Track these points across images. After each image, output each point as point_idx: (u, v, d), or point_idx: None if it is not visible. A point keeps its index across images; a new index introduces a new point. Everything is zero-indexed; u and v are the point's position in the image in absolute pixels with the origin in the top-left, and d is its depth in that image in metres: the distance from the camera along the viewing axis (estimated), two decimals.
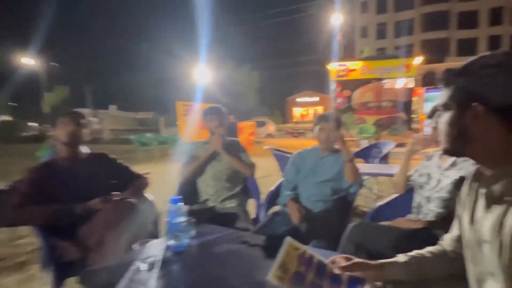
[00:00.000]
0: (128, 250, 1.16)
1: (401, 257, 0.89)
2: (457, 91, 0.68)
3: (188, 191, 2.03)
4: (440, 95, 0.73)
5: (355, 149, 5.44)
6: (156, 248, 1.06)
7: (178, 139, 10.04)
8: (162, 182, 5.02)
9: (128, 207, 1.37)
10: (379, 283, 0.88)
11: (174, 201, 1.14)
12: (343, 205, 1.81)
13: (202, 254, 1.14)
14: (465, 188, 0.80)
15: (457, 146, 0.70)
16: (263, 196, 2.02)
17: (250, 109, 33.13)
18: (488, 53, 0.67)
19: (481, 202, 0.70)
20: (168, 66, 31.61)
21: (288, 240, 0.88)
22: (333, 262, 0.88)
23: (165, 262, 1.06)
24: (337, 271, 0.85)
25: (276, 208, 1.89)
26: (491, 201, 0.66)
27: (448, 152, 0.74)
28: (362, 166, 2.98)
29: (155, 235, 1.54)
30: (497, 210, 0.64)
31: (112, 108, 31.94)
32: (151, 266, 1.01)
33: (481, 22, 30.17)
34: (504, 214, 0.62)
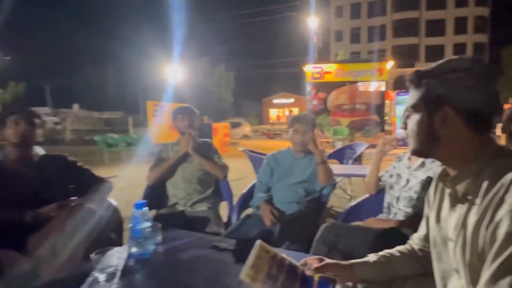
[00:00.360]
0: (84, 260, 1.08)
1: (371, 257, 0.91)
2: (427, 93, 0.70)
3: (156, 195, 1.95)
4: (409, 97, 0.76)
5: (330, 150, 5.59)
6: (117, 257, 1.00)
7: (148, 140, 9.72)
8: (130, 186, 4.85)
9: (86, 213, 1.28)
10: (350, 283, 0.90)
11: (139, 206, 1.10)
12: (316, 206, 1.83)
13: (168, 261, 1.09)
14: (432, 188, 0.84)
15: (425, 147, 0.72)
16: (237, 199, 2.00)
17: (225, 109, 32.98)
18: (456, 57, 0.69)
19: (446, 202, 0.73)
20: (138, 64, 30.35)
21: (259, 243, 0.87)
22: (305, 264, 0.89)
23: (126, 272, 1.00)
24: (309, 272, 0.86)
25: (249, 211, 1.87)
26: (455, 200, 0.69)
27: (416, 152, 0.76)
28: (336, 167, 3.06)
29: (118, 243, 1.46)
30: (461, 209, 0.67)
31: (75, 107, 30.31)
32: (110, 277, 0.95)
33: (448, 30, 32.46)
34: (467, 212, 0.64)
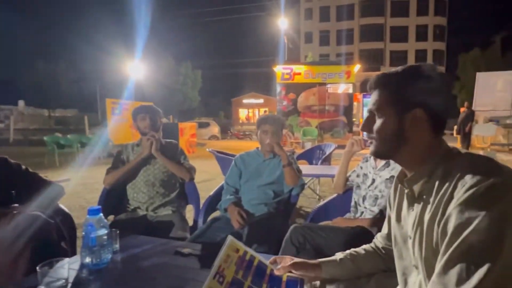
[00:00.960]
0: (29, 274, 0.99)
1: (338, 255, 0.96)
2: (398, 95, 0.73)
3: (115, 199, 1.86)
4: (373, 99, 0.78)
5: (299, 151, 5.72)
6: (67, 268, 0.92)
7: (106, 140, 9.21)
8: (85, 190, 4.57)
9: (30, 221, 1.17)
10: (317, 282, 0.93)
11: (93, 212, 1.03)
12: (285, 207, 1.85)
13: (127, 270, 1.04)
14: (392, 189, 0.89)
15: (389, 149, 0.75)
16: (203, 202, 1.96)
17: (192, 109, 32.36)
18: (417, 63, 0.75)
19: (405, 201, 0.78)
20: (96, 60, 28.59)
21: (231, 238, 0.88)
22: (274, 262, 0.91)
23: (78, 284, 0.94)
24: (277, 272, 0.88)
25: (216, 214, 1.85)
26: (413, 200, 0.74)
27: (378, 154, 0.79)
28: (306, 168, 3.13)
29: (70, 253, 1.36)
30: (417, 207, 0.72)
31: (21, 104, 27.86)
32: None
33: (410, 37, 34.91)
34: (423, 211, 0.69)
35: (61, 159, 7.90)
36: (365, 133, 0.82)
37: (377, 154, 0.79)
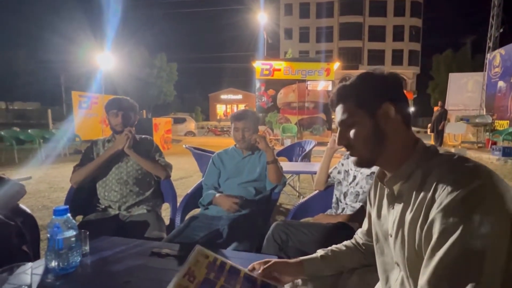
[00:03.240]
0: None
1: (319, 252, 0.98)
2: (362, 99, 0.77)
3: (83, 198, 1.77)
4: (340, 114, 0.80)
5: (279, 148, 5.76)
6: (30, 274, 0.85)
7: (72, 136, 8.77)
8: (49, 189, 4.33)
9: None
10: (299, 281, 0.94)
11: (59, 212, 0.97)
12: (266, 204, 1.85)
13: (98, 274, 0.98)
14: (373, 186, 0.91)
15: (373, 152, 0.76)
16: (181, 200, 1.91)
17: (168, 104, 31.62)
18: (368, 70, 0.81)
19: (385, 200, 0.80)
20: (60, 50, 26.68)
21: (198, 248, 0.87)
22: (253, 269, 0.91)
23: None
24: (259, 276, 0.88)
25: (195, 212, 1.81)
26: (393, 199, 0.76)
27: (362, 162, 0.80)
28: (286, 165, 3.14)
29: (33, 257, 1.27)
30: (398, 207, 0.74)
31: None
32: None
33: (387, 36, 36.15)
34: (403, 211, 0.71)
35: (21, 156, 7.40)
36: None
37: (362, 162, 0.80)
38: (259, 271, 0.89)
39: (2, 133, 7.54)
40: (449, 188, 0.61)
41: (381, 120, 0.74)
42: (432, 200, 0.63)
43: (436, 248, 0.58)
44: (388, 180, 0.77)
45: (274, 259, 0.93)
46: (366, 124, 0.76)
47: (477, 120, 10.60)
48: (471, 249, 0.55)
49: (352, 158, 0.82)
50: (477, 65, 18.94)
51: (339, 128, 0.83)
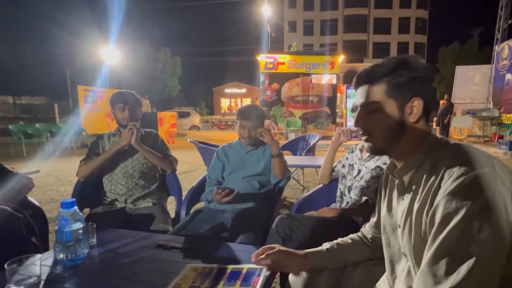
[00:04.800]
0: None
1: (325, 245, 0.98)
2: (395, 87, 0.73)
3: (90, 192, 1.78)
4: (368, 93, 0.76)
5: (283, 142, 5.75)
6: (40, 265, 0.87)
7: (78, 130, 8.84)
8: (57, 182, 4.39)
9: None
10: (303, 272, 0.94)
11: (67, 205, 0.98)
12: (270, 198, 1.85)
13: (105, 266, 1.00)
14: (383, 179, 0.91)
15: (389, 142, 0.75)
16: (186, 193, 1.92)
17: (172, 98, 31.65)
18: (405, 55, 0.76)
19: (396, 191, 0.80)
20: (65, 44, 26.69)
21: (189, 266, 0.94)
22: (257, 255, 0.92)
23: (52, 282, 0.89)
24: (262, 262, 0.90)
25: (200, 205, 1.82)
26: (402, 190, 0.76)
27: (376, 149, 0.78)
28: (290, 158, 3.14)
29: (42, 249, 1.29)
30: (407, 197, 0.74)
31: None
32: None
33: (393, 29, 35.58)
34: (412, 200, 0.72)
35: (29, 150, 7.50)
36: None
37: (376, 150, 0.79)
38: (263, 256, 0.90)
39: (11, 127, 7.62)
40: (455, 175, 0.61)
41: (407, 115, 0.73)
42: (439, 187, 0.63)
43: (438, 233, 0.59)
44: (398, 170, 0.76)
45: (278, 246, 0.94)
46: (392, 114, 0.73)
47: (483, 114, 10.46)
48: (472, 229, 0.55)
49: (365, 144, 0.79)
50: (484, 57, 18.57)
51: (359, 109, 0.78)
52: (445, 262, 0.56)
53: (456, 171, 0.61)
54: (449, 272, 0.55)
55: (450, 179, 0.61)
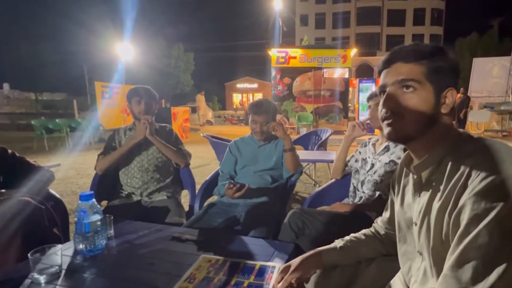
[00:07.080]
0: (21, 261, 0.97)
1: (338, 243, 0.95)
2: (436, 71, 0.68)
3: (107, 185, 1.83)
4: (403, 69, 0.69)
5: (295, 136, 5.72)
6: (60, 255, 0.90)
7: (96, 125, 9.05)
8: (76, 175, 4.52)
9: (20, 207, 1.14)
10: (316, 271, 0.92)
11: (85, 197, 1.01)
12: (283, 192, 1.85)
13: (122, 256, 1.03)
14: (397, 173, 0.87)
15: (418, 130, 0.69)
16: (199, 187, 1.94)
17: (185, 93, 31.90)
18: (436, 44, 0.73)
19: (411, 187, 0.76)
20: (82, 41, 27.30)
21: (202, 256, 0.98)
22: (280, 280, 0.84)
23: (72, 271, 0.92)
24: (281, 285, 0.82)
25: (212, 199, 1.84)
26: (420, 186, 0.72)
27: (401, 135, 0.70)
28: (302, 153, 3.12)
29: (62, 239, 1.34)
30: (425, 194, 0.70)
31: (6, 87, 26.94)
32: (53, 278, 0.87)
33: (407, 20, 34.49)
34: (431, 198, 0.67)
35: (50, 144, 7.77)
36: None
37: (399, 137, 0.71)
38: (285, 278, 0.82)
39: (33, 122, 7.89)
40: (483, 174, 0.56)
41: (442, 103, 0.68)
42: (464, 187, 0.59)
43: (464, 235, 0.55)
44: (416, 166, 0.71)
45: (293, 262, 0.87)
46: (428, 99, 0.68)
47: (502, 108, 10.06)
48: (503, 233, 0.51)
49: (386, 130, 0.71)
50: (504, 49, 17.82)
51: (388, 89, 0.71)
52: (472, 267, 0.52)
53: (485, 169, 0.56)
54: (476, 278, 0.51)
55: (478, 177, 0.56)
